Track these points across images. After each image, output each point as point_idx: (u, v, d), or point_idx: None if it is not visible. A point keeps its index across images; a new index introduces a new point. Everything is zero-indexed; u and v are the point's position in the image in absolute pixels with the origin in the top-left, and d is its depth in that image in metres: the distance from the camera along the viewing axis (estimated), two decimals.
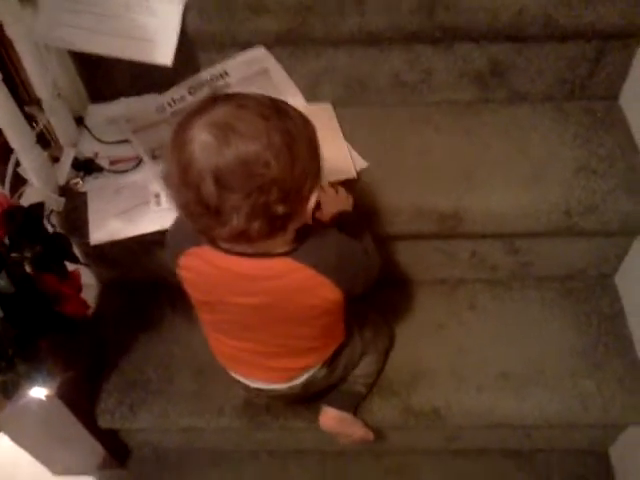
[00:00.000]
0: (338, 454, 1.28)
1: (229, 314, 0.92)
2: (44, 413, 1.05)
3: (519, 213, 1.11)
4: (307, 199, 0.79)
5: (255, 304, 0.88)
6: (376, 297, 1.23)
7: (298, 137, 0.76)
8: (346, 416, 1.10)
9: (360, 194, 1.11)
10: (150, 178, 1.19)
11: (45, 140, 1.21)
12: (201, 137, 0.73)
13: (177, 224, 0.95)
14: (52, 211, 1.16)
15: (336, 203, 1.04)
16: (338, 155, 1.16)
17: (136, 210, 1.15)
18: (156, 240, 1.14)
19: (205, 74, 1.25)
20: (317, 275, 0.84)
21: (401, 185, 1.14)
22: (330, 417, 1.10)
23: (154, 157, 1.22)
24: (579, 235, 1.17)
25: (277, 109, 0.76)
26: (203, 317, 1.00)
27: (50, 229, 1.14)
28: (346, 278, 0.88)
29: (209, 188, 0.73)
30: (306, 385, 1.04)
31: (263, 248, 0.82)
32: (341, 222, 0.99)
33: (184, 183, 0.75)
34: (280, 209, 0.75)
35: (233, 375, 1.07)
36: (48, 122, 1.20)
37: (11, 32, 1.08)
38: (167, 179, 0.79)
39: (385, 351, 1.17)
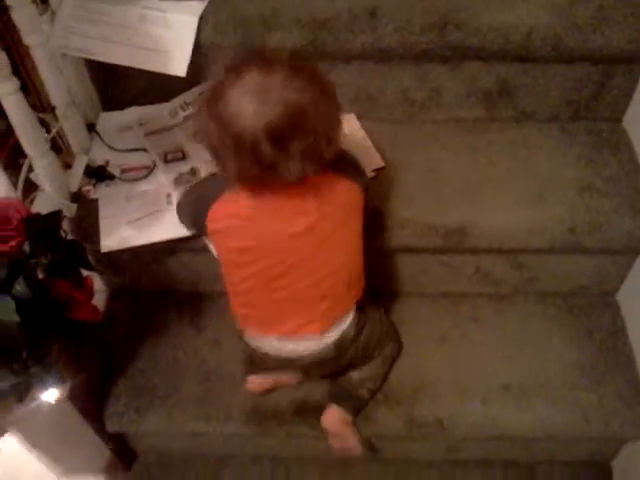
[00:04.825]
0: (340, 463, 1.29)
1: (271, 256, 0.96)
2: (54, 416, 1.06)
3: (524, 230, 1.13)
4: (340, 131, 0.90)
5: (303, 228, 0.94)
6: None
7: (320, 79, 0.87)
8: (347, 419, 1.12)
9: (367, 207, 1.12)
10: (162, 181, 1.21)
11: (57, 147, 1.23)
12: (245, 106, 0.82)
13: (198, 187, 1.06)
14: (64, 217, 1.17)
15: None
16: (366, 150, 1.21)
17: (147, 219, 1.16)
18: (166, 248, 1.17)
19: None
20: (345, 180, 0.97)
21: (408, 200, 1.16)
22: (334, 415, 1.12)
23: (166, 161, 1.24)
24: (582, 253, 1.19)
25: (299, 66, 0.86)
26: (239, 276, 1.01)
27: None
28: (361, 177, 1.02)
29: (265, 147, 0.83)
30: (337, 345, 1.04)
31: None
32: None
33: (238, 151, 0.84)
34: (326, 149, 0.87)
35: (265, 345, 1.06)
36: (61, 129, 1.22)
37: (29, 40, 1.10)
38: (218, 154, 0.88)
39: (392, 358, 1.19)
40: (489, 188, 1.17)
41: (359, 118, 1.27)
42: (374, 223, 1.12)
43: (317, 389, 1.18)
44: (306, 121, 0.84)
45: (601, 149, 1.22)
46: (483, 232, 1.14)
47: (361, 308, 1.07)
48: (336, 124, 0.89)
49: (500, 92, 1.24)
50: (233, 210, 0.96)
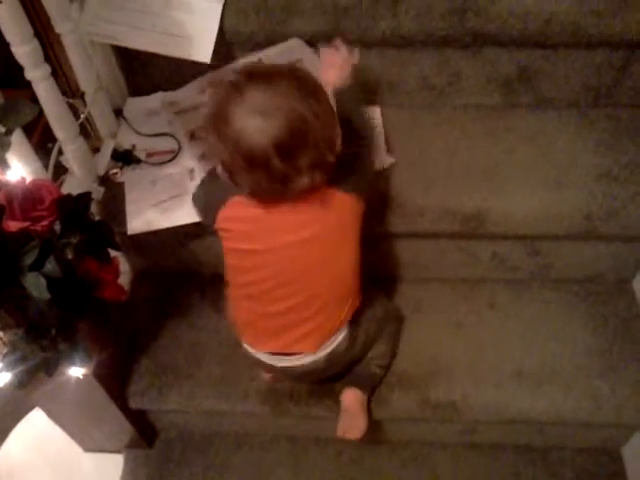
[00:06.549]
0: (356, 444, 1.30)
1: (272, 265, 0.99)
2: (80, 391, 1.10)
3: (540, 216, 1.14)
4: (339, 131, 0.92)
5: (304, 238, 0.97)
6: (397, 293, 1.29)
7: (320, 92, 0.90)
8: (363, 398, 1.14)
9: (386, 193, 1.15)
10: (186, 163, 1.25)
11: (86, 131, 1.26)
12: (251, 124, 0.85)
13: (211, 183, 1.06)
14: (91, 200, 1.21)
15: (332, 64, 1.10)
16: (376, 149, 1.20)
17: (171, 202, 1.19)
18: (189, 231, 1.20)
19: (242, 61, 1.27)
20: (341, 192, 0.97)
21: (426, 185, 1.17)
22: (350, 395, 1.14)
23: (192, 138, 1.27)
24: (599, 239, 1.20)
25: (296, 77, 0.89)
26: (240, 281, 1.04)
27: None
28: (360, 185, 1.01)
29: (276, 162, 0.86)
30: (329, 358, 1.07)
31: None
32: (339, 91, 1.07)
33: (251, 167, 0.88)
34: (330, 157, 0.90)
35: (259, 356, 1.09)
36: (89, 114, 1.25)
37: (59, 28, 1.13)
38: (230, 169, 0.90)
39: (396, 332, 1.22)
40: (507, 174, 1.18)
41: (379, 104, 1.28)
42: (391, 208, 1.14)
43: None
44: (311, 129, 0.86)
45: (620, 136, 1.22)
46: (500, 218, 1.15)
47: (355, 321, 1.09)
48: (335, 125, 0.91)
49: (520, 78, 1.25)
50: (240, 215, 0.98)
